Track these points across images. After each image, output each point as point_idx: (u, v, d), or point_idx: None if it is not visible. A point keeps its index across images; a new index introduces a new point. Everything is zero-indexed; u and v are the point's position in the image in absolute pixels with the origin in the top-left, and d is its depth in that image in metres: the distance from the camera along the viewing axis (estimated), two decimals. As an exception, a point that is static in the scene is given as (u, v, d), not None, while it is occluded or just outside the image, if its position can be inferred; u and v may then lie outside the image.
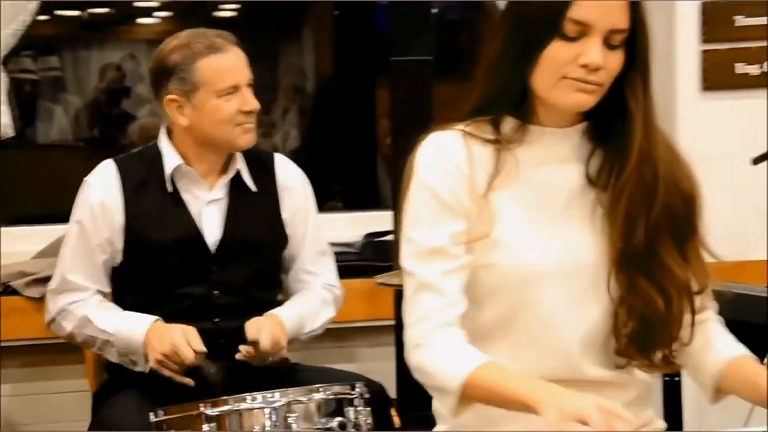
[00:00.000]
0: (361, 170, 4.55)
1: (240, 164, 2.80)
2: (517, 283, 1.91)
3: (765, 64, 3.46)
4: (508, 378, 1.81)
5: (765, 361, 2.48)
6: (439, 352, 1.86)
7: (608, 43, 1.85)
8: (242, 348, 2.65)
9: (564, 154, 1.95)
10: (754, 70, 3.47)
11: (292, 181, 2.90)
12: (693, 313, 1.93)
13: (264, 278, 2.86)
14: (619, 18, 1.85)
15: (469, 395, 1.82)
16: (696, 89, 3.48)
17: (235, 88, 2.71)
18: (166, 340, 2.60)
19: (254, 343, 2.64)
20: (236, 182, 2.81)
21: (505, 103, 1.93)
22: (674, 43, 3.46)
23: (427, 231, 1.91)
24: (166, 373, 2.61)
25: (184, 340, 2.59)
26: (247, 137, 2.75)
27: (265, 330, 2.66)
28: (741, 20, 3.45)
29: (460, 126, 1.96)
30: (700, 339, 1.99)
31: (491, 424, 1.92)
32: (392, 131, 3.34)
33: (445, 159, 1.93)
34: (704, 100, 3.48)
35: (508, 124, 1.94)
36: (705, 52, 3.47)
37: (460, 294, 1.89)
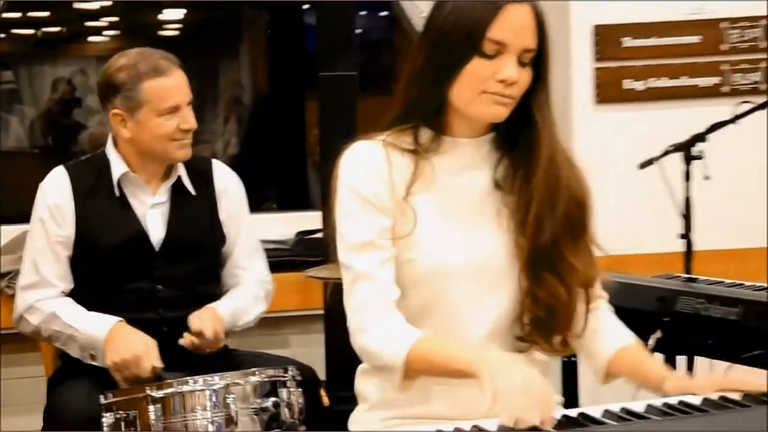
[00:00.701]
0: (293, 174, 4.54)
1: (181, 171, 2.79)
2: (433, 277, 1.92)
3: (649, 80, 3.51)
4: (445, 348, 1.82)
5: (649, 342, 2.52)
6: (381, 335, 1.86)
7: (520, 61, 1.87)
8: (186, 336, 2.64)
9: (475, 162, 1.97)
10: (640, 85, 3.51)
11: (228, 185, 2.89)
12: (587, 302, 1.96)
13: (204, 274, 2.85)
14: (530, 38, 1.87)
15: (412, 369, 1.83)
16: (590, 102, 3.51)
17: (176, 108, 2.69)
18: (130, 349, 2.57)
19: (198, 334, 2.63)
20: (177, 187, 2.79)
21: (424, 115, 1.94)
22: (570, 62, 3.49)
23: (357, 227, 1.91)
24: (117, 376, 2.59)
25: (146, 352, 2.57)
26: (183, 152, 2.74)
27: (208, 322, 2.65)
28: (628, 41, 3.50)
29: (381, 137, 1.96)
30: (593, 326, 2.01)
31: (412, 402, 1.93)
32: (320, 139, 3.34)
33: (367, 165, 1.93)
34: (597, 112, 3.52)
35: (425, 134, 1.95)
36: (597, 69, 3.51)
37: (392, 282, 1.90)
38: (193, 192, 2.81)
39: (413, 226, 1.90)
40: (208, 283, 2.86)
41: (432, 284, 1.92)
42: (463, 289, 1.92)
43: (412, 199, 1.92)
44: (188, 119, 2.72)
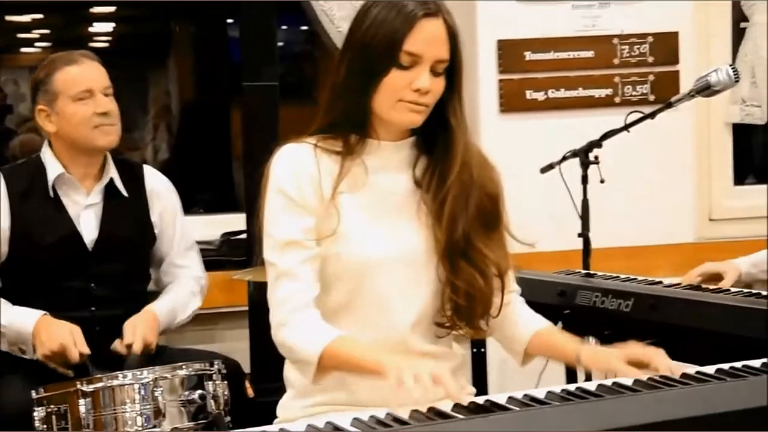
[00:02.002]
0: (219, 178, 4.50)
1: (113, 173, 2.75)
2: (357, 270, 1.92)
3: (549, 91, 3.54)
4: (356, 348, 1.83)
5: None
6: (299, 330, 1.86)
7: (434, 71, 1.89)
8: (117, 343, 2.60)
9: (396, 163, 1.98)
10: (540, 96, 3.54)
11: (159, 188, 2.87)
12: (502, 291, 1.98)
13: (136, 272, 2.81)
14: (442, 50, 1.89)
15: (325, 365, 1.83)
16: (495, 111, 3.53)
17: (90, 93, 2.68)
18: (55, 339, 2.52)
19: (128, 346, 2.59)
20: (110, 189, 2.76)
21: (351, 124, 1.94)
22: (476, 73, 3.51)
23: (283, 226, 1.91)
24: (51, 365, 2.54)
25: (72, 341, 2.52)
26: (106, 138, 2.70)
27: (140, 333, 2.60)
28: (530, 55, 3.53)
29: (311, 139, 1.96)
30: (510, 314, 2.05)
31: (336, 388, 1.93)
32: (244, 145, 3.32)
33: (295, 166, 1.93)
34: (501, 120, 3.54)
35: (352, 138, 1.95)
36: (501, 81, 3.53)
37: (313, 280, 1.90)
38: (125, 193, 2.77)
39: (337, 223, 1.90)
40: (141, 281, 2.83)
41: (357, 277, 1.93)
42: (386, 281, 1.93)
43: (338, 198, 1.92)
44: (103, 103, 2.68)
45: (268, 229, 1.93)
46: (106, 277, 2.71)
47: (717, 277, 2.71)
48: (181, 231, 2.90)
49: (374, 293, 1.93)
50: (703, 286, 2.65)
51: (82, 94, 2.66)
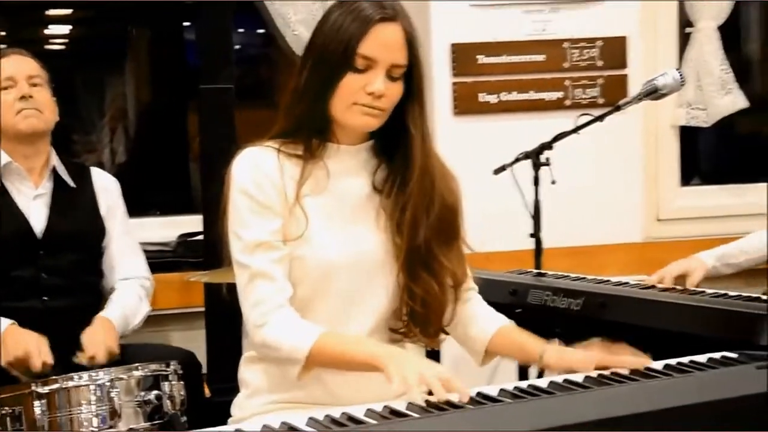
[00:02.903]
0: (176, 180, 4.46)
1: (56, 162, 2.78)
2: (317, 272, 1.91)
3: (501, 94, 3.55)
4: (349, 342, 1.82)
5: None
6: (280, 329, 1.84)
7: (390, 76, 1.88)
8: (80, 356, 2.56)
9: (356, 167, 1.97)
10: (493, 99, 3.55)
11: (107, 183, 2.91)
12: (456, 298, 1.98)
13: (86, 264, 2.80)
14: (398, 55, 1.88)
15: (313, 362, 1.81)
16: (448, 114, 3.54)
17: (13, 80, 2.73)
18: (20, 346, 2.49)
19: (91, 358, 2.56)
20: (58, 181, 2.77)
21: (311, 127, 1.93)
22: (431, 77, 3.51)
23: (252, 228, 1.89)
24: (13, 372, 2.50)
25: (37, 350, 2.49)
26: (26, 122, 2.74)
27: (100, 342, 2.58)
28: (482, 59, 3.54)
29: (273, 143, 1.94)
30: (469, 313, 2.05)
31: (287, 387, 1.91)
32: (201, 147, 3.30)
33: (258, 169, 1.91)
34: (455, 123, 3.54)
35: (313, 142, 1.94)
36: (455, 84, 3.54)
37: (286, 279, 1.88)
38: (72, 184, 2.79)
39: (304, 226, 1.89)
40: (91, 273, 2.82)
41: (316, 279, 1.91)
42: (346, 284, 1.92)
43: (301, 201, 1.90)
44: (25, 89, 2.73)
45: (237, 231, 1.90)
46: (57, 267, 2.71)
47: (685, 274, 2.74)
48: (124, 228, 2.91)
49: (333, 296, 1.92)
50: (687, 285, 2.68)
51: (6, 83, 2.73)
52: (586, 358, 1.80)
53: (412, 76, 1.90)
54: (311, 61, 1.90)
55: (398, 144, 1.93)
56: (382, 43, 1.86)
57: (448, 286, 1.96)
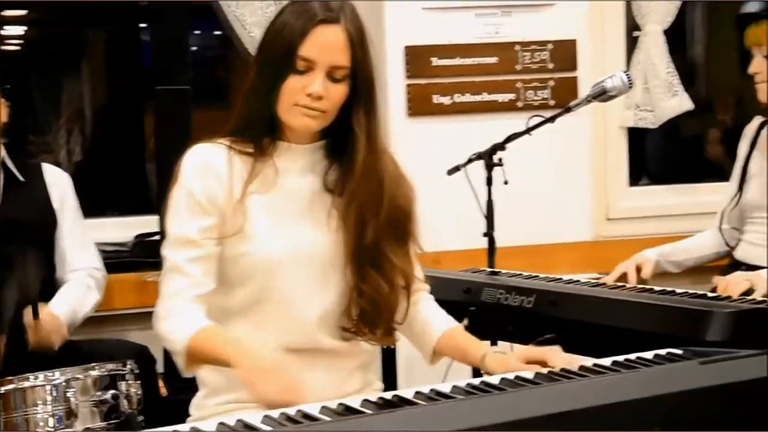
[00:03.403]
0: (133, 181, 4.42)
1: (4, 156, 2.75)
2: (264, 269, 1.90)
3: (455, 95, 3.56)
4: (216, 339, 1.80)
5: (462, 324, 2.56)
6: (174, 323, 1.85)
7: (332, 77, 1.87)
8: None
9: (306, 165, 1.97)
10: (446, 100, 3.56)
11: (58, 177, 2.89)
12: (408, 297, 1.98)
13: (38, 255, 2.76)
14: (339, 57, 1.87)
15: (192, 357, 1.81)
16: (403, 115, 3.54)
17: None
18: None
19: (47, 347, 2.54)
20: (8, 175, 2.76)
21: (259, 127, 1.93)
22: (385, 78, 3.51)
23: (181, 224, 1.89)
24: None
25: None
26: None
27: (54, 332, 2.56)
28: (436, 61, 3.55)
29: (224, 140, 1.94)
30: (420, 313, 2.05)
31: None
32: (157, 148, 3.27)
33: (206, 166, 1.91)
34: (409, 124, 3.55)
35: (264, 140, 1.94)
36: (409, 85, 3.54)
37: (205, 277, 1.88)
38: (21, 178, 2.78)
39: (243, 223, 1.88)
40: (44, 265, 2.78)
41: (264, 276, 1.91)
42: (293, 281, 1.92)
43: (248, 199, 1.90)
44: None
45: (168, 224, 1.92)
46: (8, 257, 2.66)
47: (637, 270, 2.77)
48: (74, 221, 2.89)
49: (281, 293, 1.92)
50: (641, 274, 2.71)
51: None
52: (519, 356, 1.83)
53: (357, 78, 1.90)
54: (258, 62, 1.91)
55: (346, 144, 1.93)
56: (321, 44, 1.85)
57: (398, 285, 1.96)
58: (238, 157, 1.93)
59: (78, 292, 2.79)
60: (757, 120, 3.01)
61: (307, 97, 1.86)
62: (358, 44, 1.88)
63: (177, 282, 1.87)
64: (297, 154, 1.96)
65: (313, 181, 1.97)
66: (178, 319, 1.85)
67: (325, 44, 1.85)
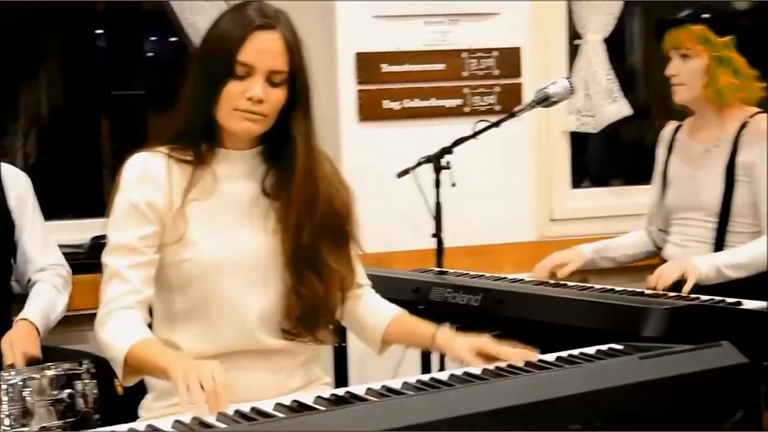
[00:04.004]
0: (89, 184, 4.37)
1: None
2: (206, 274, 1.89)
3: (404, 101, 3.57)
4: (154, 350, 1.78)
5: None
6: (114, 330, 1.82)
7: (271, 82, 1.86)
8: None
9: (244, 171, 1.95)
10: (396, 106, 3.56)
11: (15, 176, 2.82)
12: (343, 300, 1.97)
13: None
14: (277, 62, 1.86)
15: (131, 366, 1.79)
16: (354, 120, 3.53)
17: None
18: None
19: (11, 366, 2.49)
20: None
21: (200, 133, 1.91)
22: (337, 84, 3.51)
23: (121, 231, 1.88)
24: None
25: None
26: None
27: (19, 350, 2.51)
28: (386, 67, 3.54)
29: (163, 149, 1.92)
30: (364, 306, 2.05)
31: None
32: (113, 152, 3.24)
33: (145, 174, 1.88)
34: (360, 129, 3.54)
35: (202, 147, 1.92)
36: (360, 91, 3.54)
37: (144, 283, 1.86)
38: None
39: (184, 230, 1.87)
40: (2, 268, 2.73)
41: (205, 281, 1.89)
42: (233, 284, 1.90)
43: (188, 206, 1.88)
44: None
45: (108, 231, 1.90)
46: None
47: (564, 265, 2.80)
48: (38, 223, 2.83)
49: (222, 296, 1.90)
50: (551, 281, 2.73)
51: None
52: (471, 344, 1.83)
53: (295, 83, 1.89)
54: (197, 68, 1.89)
55: (284, 149, 1.92)
56: (259, 50, 1.84)
57: (335, 287, 1.96)
58: (177, 165, 1.91)
59: (48, 296, 2.75)
60: (672, 125, 3.06)
61: (247, 101, 1.85)
62: (295, 50, 1.88)
63: (117, 288, 1.85)
64: (235, 160, 1.95)
65: (252, 186, 1.95)
66: (116, 327, 1.83)
67: (264, 49, 1.84)
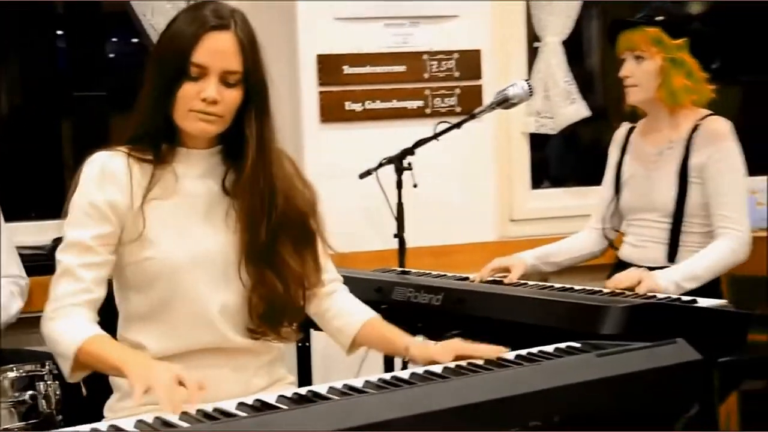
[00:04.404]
0: (50, 185, 4.32)
1: None
2: (167, 273, 1.88)
3: (366, 102, 3.57)
4: (108, 347, 1.77)
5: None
6: (62, 326, 1.81)
7: (225, 82, 1.86)
8: None
9: (204, 170, 1.95)
10: (358, 107, 3.57)
11: None
12: (305, 297, 1.97)
13: None
14: (230, 62, 1.86)
15: (81, 362, 1.78)
16: (316, 121, 3.53)
17: None
18: None
19: None
20: None
21: (157, 133, 1.90)
22: (299, 86, 3.50)
23: (77, 229, 1.86)
24: None
25: None
26: None
27: None
28: (348, 69, 3.55)
29: (124, 148, 1.91)
30: (335, 304, 2.04)
31: None
32: (74, 153, 3.21)
33: (105, 173, 1.87)
34: (322, 130, 3.54)
35: (162, 147, 1.91)
36: (322, 93, 3.53)
37: (95, 284, 1.85)
38: None
39: (143, 229, 1.86)
40: None
41: (167, 279, 1.89)
42: (195, 282, 1.90)
43: (149, 205, 1.87)
44: None
45: (64, 228, 1.89)
46: None
47: (506, 271, 2.80)
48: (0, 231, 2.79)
49: (184, 294, 1.90)
50: (505, 281, 2.74)
51: None
52: (446, 348, 1.83)
53: (249, 83, 1.88)
54: (152, 70, 1.88)
55: (241, 148, 1.92)
56: (213, 50, 1.84)
57: (296, 287, 1.95)
58: (138, 164, 1.90)
59: (3, 299, 2.71)
60: (625, 126, 3.08)
61: (202, 102, 1.84)
62: (249, 50, 1.87)
63: (68, 285, 1.84)
64: (195, 159, 1.94)
65: (212, 185, 1.95)
66: (66, 323, 1.82)
67: (217, 50, 1.84)
